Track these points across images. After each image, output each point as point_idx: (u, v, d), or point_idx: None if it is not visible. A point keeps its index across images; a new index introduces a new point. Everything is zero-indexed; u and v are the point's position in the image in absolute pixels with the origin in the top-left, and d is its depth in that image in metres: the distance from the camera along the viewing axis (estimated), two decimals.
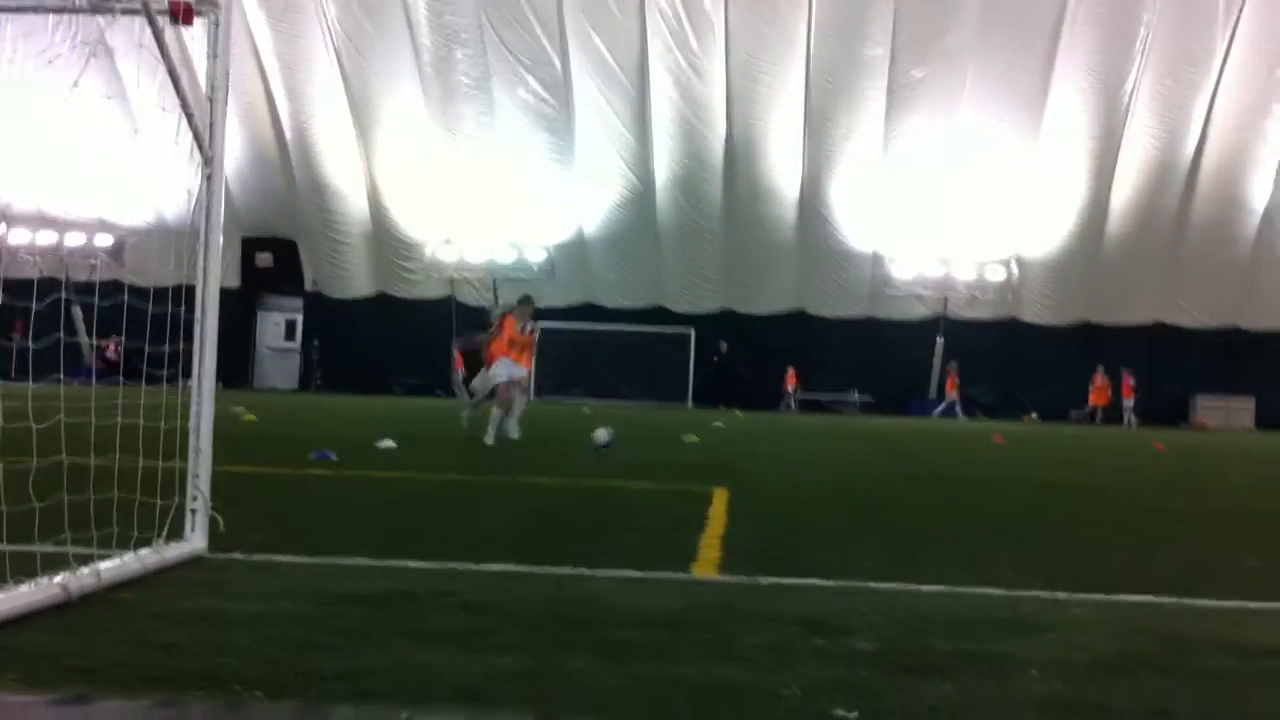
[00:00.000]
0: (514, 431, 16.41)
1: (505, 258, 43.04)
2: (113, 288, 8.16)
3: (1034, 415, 41.96)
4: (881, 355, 42.88)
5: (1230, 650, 4.66)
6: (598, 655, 4.25)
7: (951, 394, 41.49)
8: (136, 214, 42.47)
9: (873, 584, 5.90)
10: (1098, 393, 41.55)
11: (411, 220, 43.60)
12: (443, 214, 42.58)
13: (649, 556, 6.48)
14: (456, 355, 39.16)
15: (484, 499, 9.46)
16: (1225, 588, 6.19)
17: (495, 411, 16.52)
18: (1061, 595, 5.77)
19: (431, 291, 44.25)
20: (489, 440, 15.84)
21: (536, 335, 18.29)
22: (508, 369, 16.57)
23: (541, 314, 42.79)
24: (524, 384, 17.45)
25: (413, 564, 5.98)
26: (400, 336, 43.65)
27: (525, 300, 17.86)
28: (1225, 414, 42.32)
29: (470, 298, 44.15)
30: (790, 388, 42.71)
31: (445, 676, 3.91)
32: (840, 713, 3.65)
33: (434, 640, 4.39)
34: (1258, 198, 40.97)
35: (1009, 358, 42.49)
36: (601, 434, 14.87)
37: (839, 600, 5.44)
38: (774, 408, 41.48)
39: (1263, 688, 4.10)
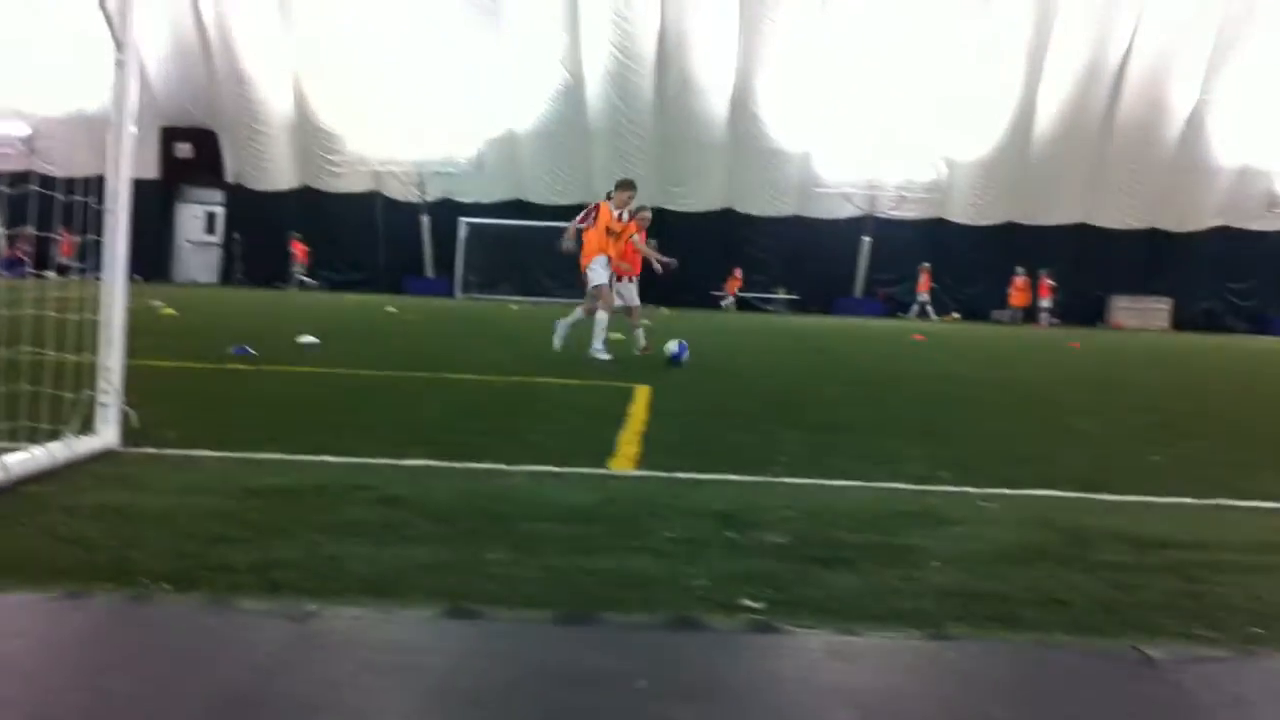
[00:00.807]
0: (600, 349, 13.52)
1: (432, 152, 42.36)
2: (24, 178, 7.94)
3: (956, 315, 42.51)
4: (809, 254, 43.08)
5: (1128, 542, 4.81)
6: (512, 548, 4.29)
7: (923, 294, 41.95)
8: (53, 103, 41.31)
9: (788, 479, 5.99)
10: (1018, 294, 42.16)
11: (335, 112, 42.73)
12: (368, 107, 41.77)
13: (568, 452, 6.52)
14: (295, 246, 39.44)
15: (405, 395, 9.43)
16: (1128, 483, 6.36)
17: (579, 312, 14.39)
18: (970, 489, 5.90)
19: (356, 185, 43.60)
20: (557, 344, 14.21)
21: (643, 224, 15.31)
22: (604, 268, 14.07)
23: (469, 210, 42.76)
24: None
25: (329, 459, 5.96)
26: (325, 231, 43.07)
27: (625, 184, 14.87)
28: (1142, 315, 43.19)
29: (397, 192, 43.62)
30: (733, 290, 42.85)
31: (356, 569, 3.93)
32: (747, 602, 3.72)
33: (346, 533, 4.41)
34: (1182, 102, 41.37)
35: (934, 258, 42.90)
36: (672, 345, 13.46)
37: (754, 495, 5.52)
38: (705, 306, 41.59)
39: (1156, 578, 4.24)
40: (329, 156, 43.43)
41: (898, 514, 5.18)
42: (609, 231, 14.15)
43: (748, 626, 3.48)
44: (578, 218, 14.55)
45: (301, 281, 41.63)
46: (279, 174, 43.91)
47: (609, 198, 14.52)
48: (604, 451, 6.62)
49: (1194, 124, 41.68)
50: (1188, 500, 5.93)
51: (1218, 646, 3.48)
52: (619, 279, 14.70)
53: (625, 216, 14.47)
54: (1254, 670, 3.27)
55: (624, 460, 6.38)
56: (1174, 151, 42.08)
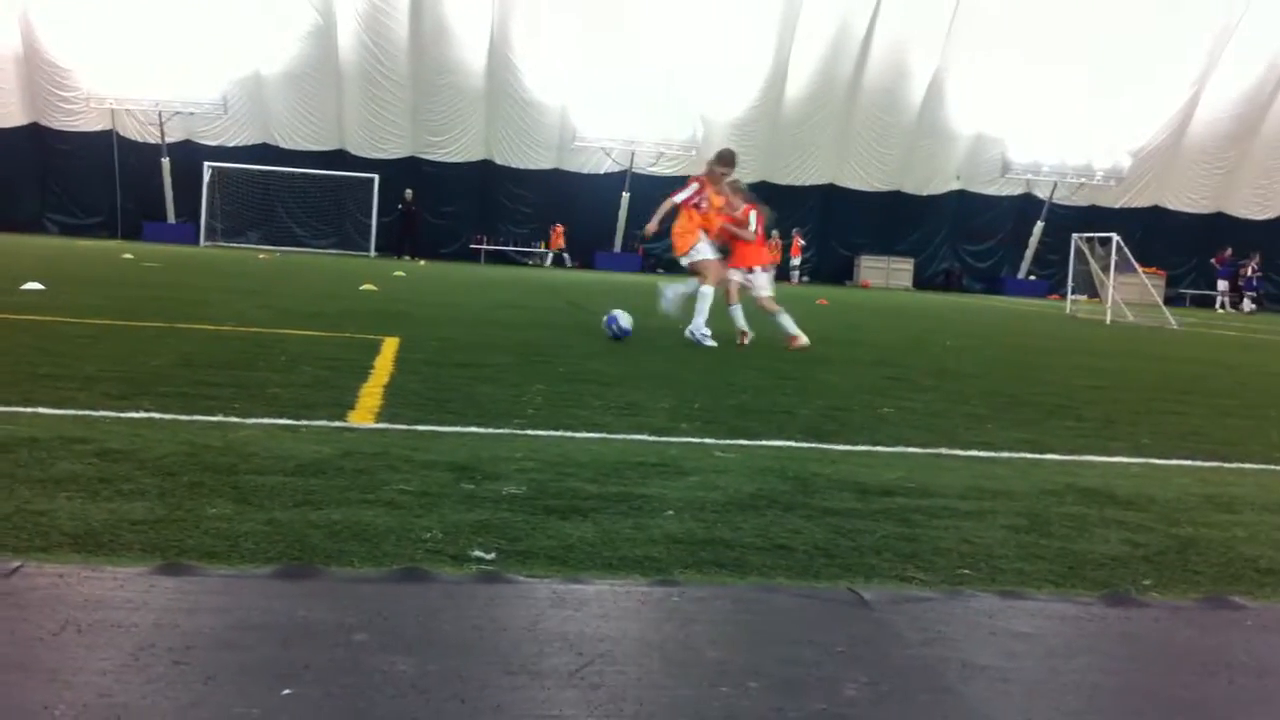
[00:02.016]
0: (703, 331, 12.03)
1: (174, 91, 40.33)
2: None
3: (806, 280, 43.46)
4: (569, 208, 43.20)
5: (853, 490, 4.99)
6: (237, 501, 4.13)
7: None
8: None
9: (530, 431, 5.98)
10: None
11: (68, 46, 40.18)
12: (105, 41, 39.43)
13: (306, 405, 6.34)
14: None
15: (135, 345, 8.96)
16: (859, 433, 6.62)
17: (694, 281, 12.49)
18: (709, 441, 6.03)
19: (91, 124, 41.18)
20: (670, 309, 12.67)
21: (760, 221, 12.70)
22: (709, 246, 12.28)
23: (214, 153, 40.95)
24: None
25: (44, 410, 5.62)
26: (57, 172, 40.60)
27: (727, 157, 12.64)
28: (886, 274, 45.14)
29: (134, 132, 41.41)
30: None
31: (65, 524, 3.71)
32: (478, 554, 3.69)
33: (58, 487, 4.16)
34: (924, 70, 43.20)
35: None
36: (623, 320, 11.83)
37: (495, 446, 5.48)
38: (463, 259, 41.22)
39: (876, 523, 4.41)
40: (60, 93, 40.85)
41: (637, 465, 5.23)
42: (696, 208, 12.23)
43: (475, 577, 3.44)
44: (682, 196, 12.28)
45: None
46: (5, 110, 41.03)
47: (709, 173, 12.45)
48: (344, 404, 6.47)
49: (934, 91, 43.61)
50: (913, 450, 6.21)
51: (927, 587, 3.65)
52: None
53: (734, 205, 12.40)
54: (959, 608, 3.43)
55: (364, 413, 6.24)
56: (916, 117, 43.94)
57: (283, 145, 41.98)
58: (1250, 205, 47.34)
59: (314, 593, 3.20)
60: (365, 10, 40.31)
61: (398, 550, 3.67)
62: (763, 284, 12.61)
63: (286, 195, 41.27)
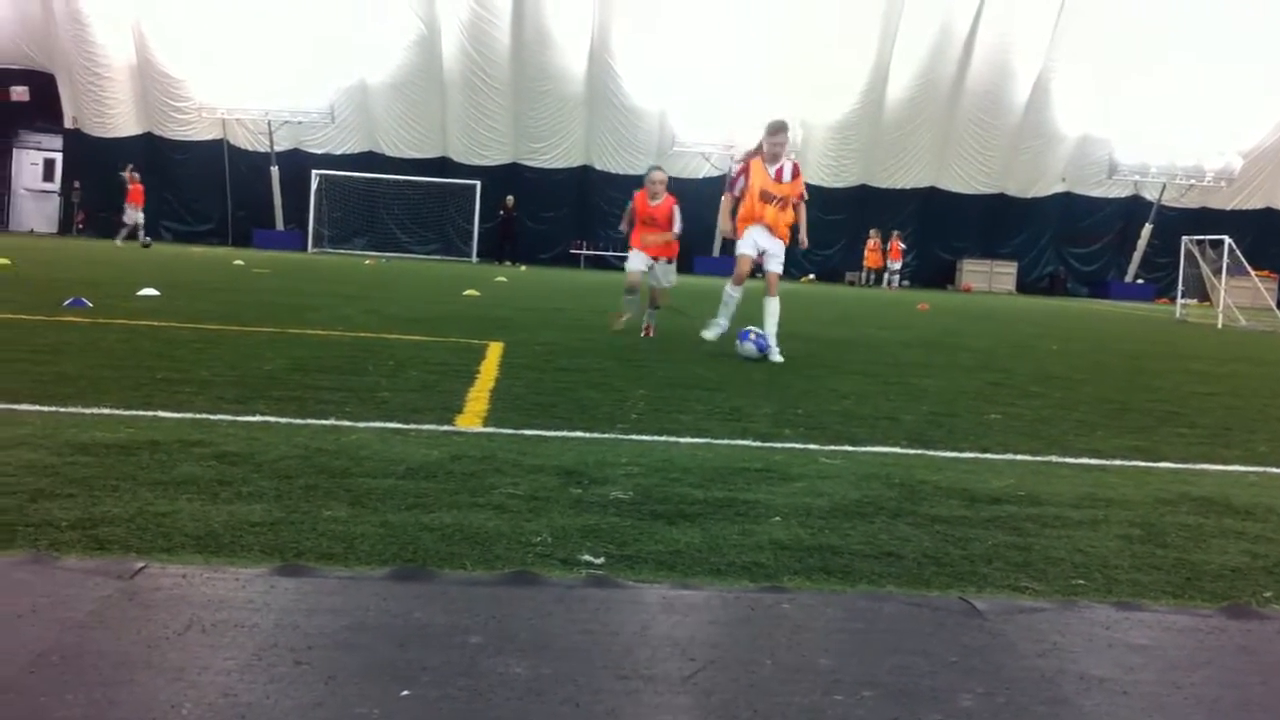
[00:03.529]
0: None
1: (282, 101, 41.21)
2: None
3: (812, 276, 43.16)
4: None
5: (961, 497, 4.94)
6: (351, 504, 4.22)
7: (895, 261, 42.43)
8: None
9: (634, 436, 6.01)
10: (871, 255, 42.98)
11: (181, 57, 41.28)
12: (216, 53, 40.44)
13: (415, 409, 6.44)
14: (133, 185, 35.27)
15: (248, 349, 9.18)
16: (966, 440, 6.54)
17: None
18: (813, 447, 6.00)
19: (203, 134, 42.25)
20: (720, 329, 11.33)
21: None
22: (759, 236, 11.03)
23: (320, 161, 41.74)
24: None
25: (164, 414, 5.78)
26: (170, 181, 41.71)
27: (777, 126, 10.99)
28: (989, 278, 44.47)
29: (245, 142, 42.40)
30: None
31: (186, 526, 3.81)
32: (587, 557, 3.72)
33: (178, 490, 4.28)
34: (1027, 70, 42.49)
35: None
36: (748, 346, 10.63)
37: (600, 451, 5.52)
38: (564, 264, 41.49)
39: (986, 531, 4.36)
40: (173, 103, 41.97)
41: (741, 471, 5.23)
42: (765, 196, 10.88)
43: (586, 581, 3.47)
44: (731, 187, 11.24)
45: (134, 232, 35.64)
46: (121, 120, 42.28)
47: (760, 150, 11.00)
48: (451, 408, 6.56)
49: (1039, 92, 42.88)
50: (1021, 456, 6.13)
51: (1040, 597, 3.60)
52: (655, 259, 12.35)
53: (787, 173, 10.95)
54: (1073, 619, 3.38)
55: (471, 417, 6.32)
56: (1020, 118, 43.25)
57: (387, 153, 42.64)
58: None
59: (428, 595, 3.25)
60: (468, 19, 40.81)
61: (508, 554, 3.71)
62: (666, 275, 12.47)
63: (391, 202, 41.92)
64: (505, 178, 42.45)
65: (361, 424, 5.84)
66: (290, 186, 41.66)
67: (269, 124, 41.54)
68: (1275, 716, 2.75)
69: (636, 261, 12.38)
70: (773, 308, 10.80)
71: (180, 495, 4.21)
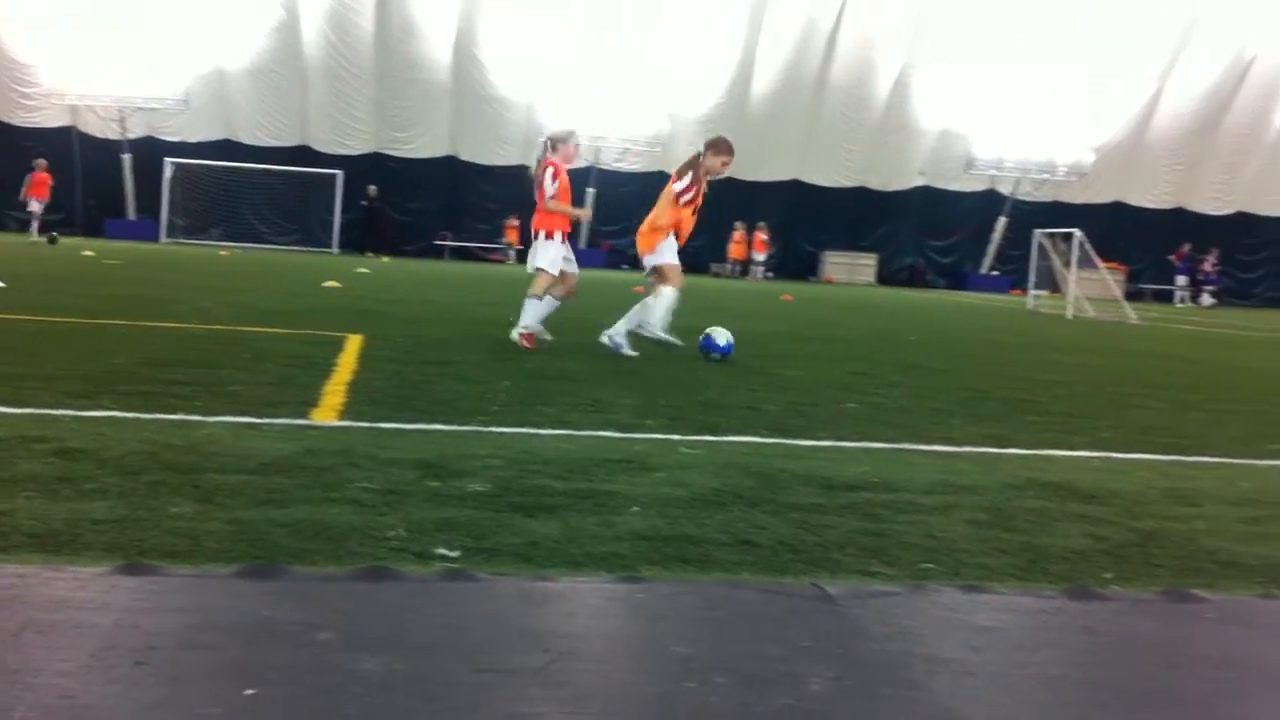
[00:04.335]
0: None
1: (135, 88, 39.91)
2: None
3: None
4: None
5: (818, 485, 5.01)
6: (199, 501, 4.10)
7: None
8: None
9: (496, 428, 5.96)
10: (736, 247, 43.43)
11: (28, 41, 39.71)
12: (65, 36, 38.97)
13: (269, 403, 6.30)
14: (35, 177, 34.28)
15: (97, 343, 8.87)
16: (825, 428, 6.64)
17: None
18: (675, 437, 6.03)
19: (51, 120, 40.73)
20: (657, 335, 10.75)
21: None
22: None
23: (175, 149, 40.56)
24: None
25: (3, 409, 5.56)
26: (16, 168, 40.10)
27: (720, 144, 10.98)
28: (851, 270, 45.26)
29: (95, 129, 41.01)
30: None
31: (24, 525, 3.67)
32: (443, 551, 3.68)
33: (16, 488, 4.11)
34: (889, 66, 43.33)
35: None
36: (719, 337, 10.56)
37: (460, 444, 5.46)
38: (429, 256, 41.07)
39: (840, 518, 4.43)
40: (19, 89, 40.38)
41: (603, 462, 5.23)
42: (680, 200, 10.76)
43: (441, 575, 3.43)
44: (679, 187, 10.80)
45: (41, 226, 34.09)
46: None
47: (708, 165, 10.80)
48: (307, 402, 6.43)
49: (900, 88, 43.78)
50: (878, 445, 6.24)
51: (891, 581, 3.67)
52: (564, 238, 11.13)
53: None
54: (922, 602, 3.45)
55: (327, 411, 6.21)
56: (881, 113, 44.11)
57: (245, 141, 41.64)
58: (1209, 201, 47.77)
59: (278, 592, 3.18)
60: (331, 6, 40.07)
61: (362, 549, 3.65)
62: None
63: (249, 191, 40.95)
64: (368, 168, 41.82)
65: (212, 418, 5.69)
66: (143, 175, 40.39)
67: (120, 111, 40.26)
68: (1114, 694, 2.85)
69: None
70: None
71: (19, 493, 4.05)
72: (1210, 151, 46.50)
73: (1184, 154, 46.56)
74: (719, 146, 10.91)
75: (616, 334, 10.50)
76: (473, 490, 4.52)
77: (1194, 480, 5.75)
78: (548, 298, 10.62)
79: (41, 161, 34.91)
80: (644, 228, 11.00)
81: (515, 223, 42.17)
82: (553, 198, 10.76)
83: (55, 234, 33.13)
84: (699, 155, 10.84)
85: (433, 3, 40.25)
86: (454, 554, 3.66)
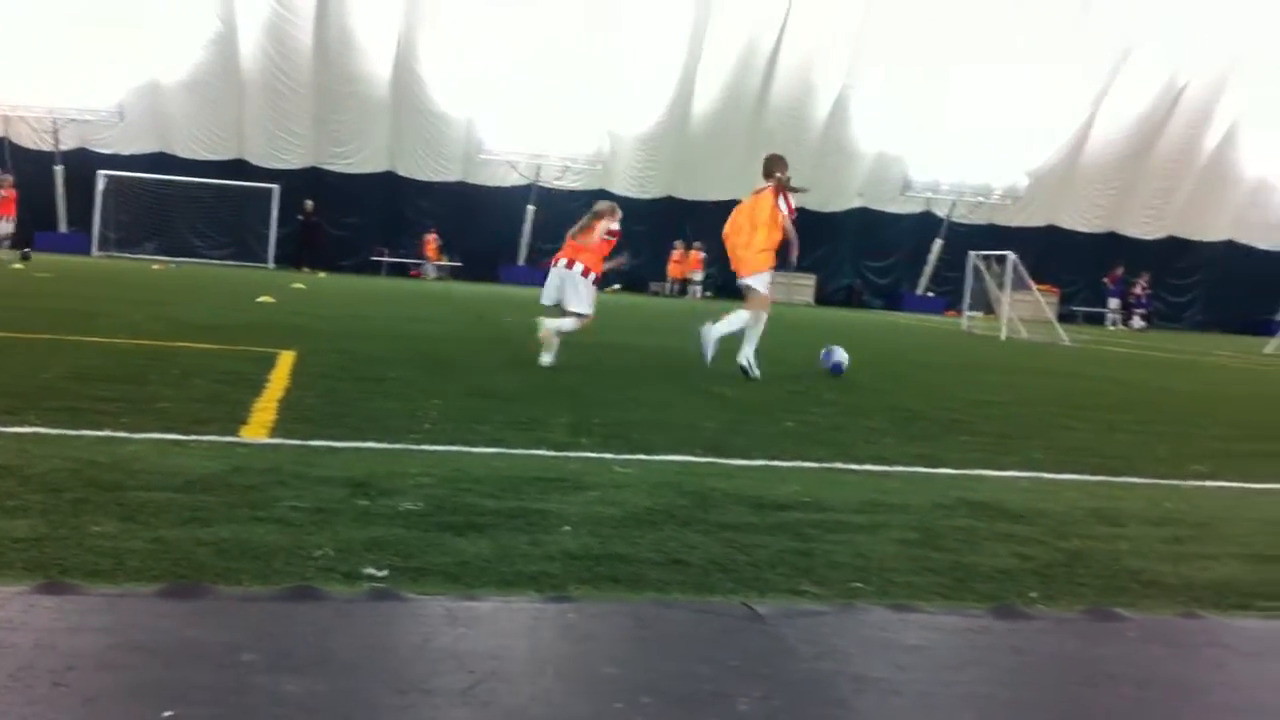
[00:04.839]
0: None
1: (69, 99, 39.27)
2: None
3: (617, 286, 43.47)
4: (473, 221, 42.94)
5: (750, 505, 5.03)
6: (123, 519, 4.03)
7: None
8: None
9: (428, 446, 5.93)
10: (675, 266, 43.56)
11: None
12: None
13: (197, 419, 6.21)
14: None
15: (23, 357, 8.71)
16: (760, 447, 6.66)
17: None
18: (609, 456, 6.03)
19: None
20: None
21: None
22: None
23: (108, 161, 39.96)
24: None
25: None
26: None
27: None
28: (789, 290, 45.47)
29: (27, 140, 40.35)
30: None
31: None
32: (370, 570, 3.65)
33: None
34: (829, 85, 43.65)
35: None
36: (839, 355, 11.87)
37: (392, 462, 5.42)
38: (365, 272, 40.80)
39: (771, 537, 4.45)
40: None
41: (535, 480, 5.21)
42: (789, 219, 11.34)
43: (367, 595, 3.40)
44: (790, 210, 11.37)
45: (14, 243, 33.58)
46: None
47: (776, 178, 11.38)
48: (237, 419, 6.35)
49: (839, 109, 44.15)
50: (810, 464, 6.27)
51: (820, 601, 3.68)
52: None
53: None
54: (850, 621, 3.47)
55: (257, 428, 6.13)
56: (821, 135, 44.44)
57: (180, 154, 41.14)
58: (1141, 225, 48.60)
59: (201, 612, 3.14)
60: (269, 18, 39.74)
61: (288, 568, 3.61)
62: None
63: (183, 205, 40.43)
64: (306, 182, 41.47)
65: (139, 435, 5.60)
66: (75, 187, 39.74)
67: (53, 122, 39.64)
68: (1038, 713, 2.88)
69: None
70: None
71: None
72: (1142, 176, 47.32)
73: (1117, 179, 47.33)
74: (782, 161, 11.52)
75: (744, 358, 11.02)
76: (403, 509, 4.49)
77: (1120, 500, 5.83)
78: (570, 320, 10.83)
79: (8, 178, 34.23)
80: (745, 248, 11.25)
81: (433, 237, 42.03)
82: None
83: (29, 250, 32.45)
84: (778, 177, 11.33)
85: (373, 16, 40.04)
86: (382, 573, 3.63)
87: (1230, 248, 49.28)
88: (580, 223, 10.98)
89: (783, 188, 11.29)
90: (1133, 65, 44.23)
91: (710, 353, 11.25)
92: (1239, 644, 3.54)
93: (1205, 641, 3.55)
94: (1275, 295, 47.53)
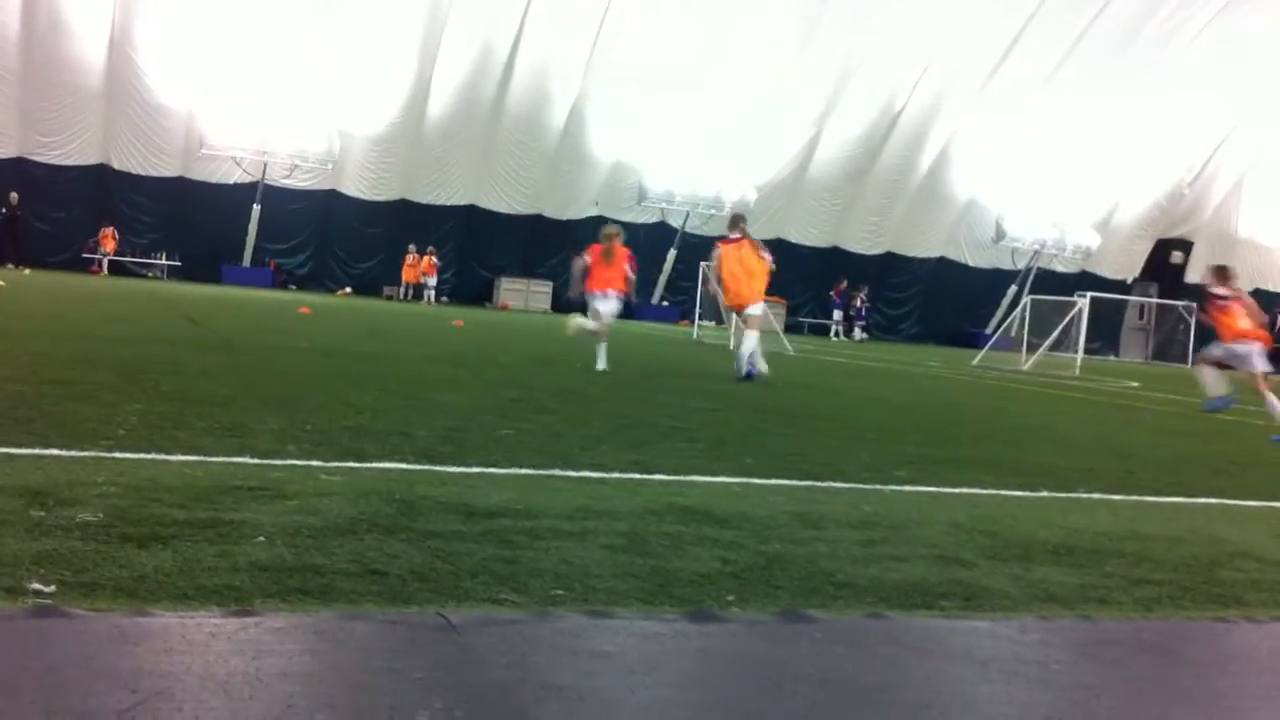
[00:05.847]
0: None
1: None
2: None
3: (348, 290, 42.56)
4: (194, 219, 41.15)
5: (460, 512, 4.95)
6: None
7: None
8: None
9: (119, 454, 5.59)
10: (409, 270, 42.98)
11: None
12: None
13: None
14: None
15: None
16: (475, 455, 6.59)
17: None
18: (315, 463, 5.84)
19: None
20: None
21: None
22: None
23: None
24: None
25: None
26: None
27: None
28: (526, 296, 45.58)
29: None
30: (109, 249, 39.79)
31: None
32: (36, 586, 3.39)
33: None
34: (566, 93, 43.85)
35: (325, 230, 42.69)
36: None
37: (77, 470, 5.09)
38: (76, 269, 38.52)
39: (477, 546, 4.38)
40: None
41: (233, 489, 4.99)
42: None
43: (29, 612, 3.16)
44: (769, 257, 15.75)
45: None
46: None
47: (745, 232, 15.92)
48: None
49: (575, 118, 44.46)
50: (526, 471, 6.24)
51: (518, 609, 3.64)
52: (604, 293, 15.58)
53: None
54: (544, 629, 3.43)
55: None
56: (557, 142, 44.67)
57: None
58: (862, 241, 50.90)
59: None
60: None
61: None
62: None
63: None
64: (10, 173, 38.85)
65: None
66: None
67: None
68: (718, 715, 2.91)
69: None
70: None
71: None
72: (862, 194, 49.57)
73: (840, 196, 49.41)
74: (744, 217, 17.19)
75: (757, 365, 15.00)
76: (81, 520, 4.20)
77: (822, 504, 6.03)
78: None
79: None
80: (748, 288, 15.39)
81: (110, 230, 39.97)
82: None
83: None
84: (746, 232, 15.94)
85: (86, 1, 37.86)
86: (49, 589, 3.38)
87: (942, 264, 52.21)
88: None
89: (752, 241, 15.63)
90: (854, 87, 46.22)
91: (761, 367, 15.05)
92: (916, 642, 3.70)
93: (884, 641, 3.69)
94: (983, 309, 50.74)
